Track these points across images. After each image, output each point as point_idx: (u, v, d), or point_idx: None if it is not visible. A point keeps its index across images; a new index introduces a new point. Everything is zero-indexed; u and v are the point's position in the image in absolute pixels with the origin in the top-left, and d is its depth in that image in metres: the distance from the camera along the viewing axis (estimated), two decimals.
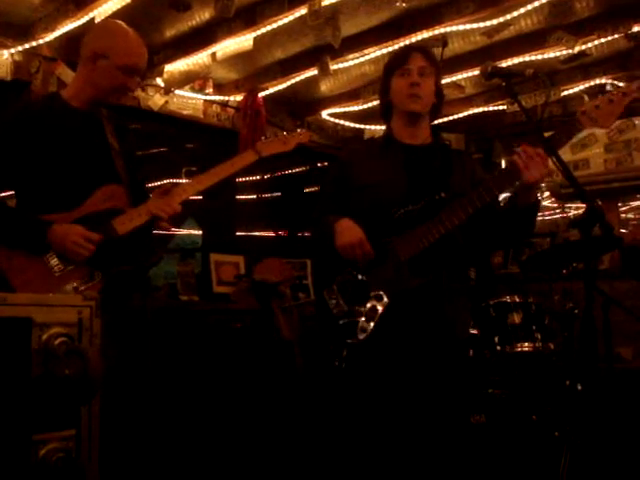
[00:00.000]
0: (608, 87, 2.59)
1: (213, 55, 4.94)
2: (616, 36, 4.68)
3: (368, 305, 2.62)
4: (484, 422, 3.72)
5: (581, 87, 5.56)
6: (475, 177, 2.82)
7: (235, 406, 4.30)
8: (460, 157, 2.92)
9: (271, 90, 5.65)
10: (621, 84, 2.67)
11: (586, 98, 2.43)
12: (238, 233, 6.54)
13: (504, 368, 4.04)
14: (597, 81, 5.41)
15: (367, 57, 5.01)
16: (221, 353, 4.46)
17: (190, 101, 5.62)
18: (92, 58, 2.76)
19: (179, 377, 4.15)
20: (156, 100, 5.32)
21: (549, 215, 7.68)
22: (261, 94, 5.66)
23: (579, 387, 3.97)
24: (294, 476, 3.89)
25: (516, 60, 5.01)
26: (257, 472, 3.93)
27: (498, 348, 4.02)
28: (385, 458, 2.63)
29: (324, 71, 5.08)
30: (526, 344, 4.01)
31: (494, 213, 2.72)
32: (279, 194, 9.18)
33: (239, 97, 5.77)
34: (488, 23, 4.58)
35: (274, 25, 4.47)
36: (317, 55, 5.08)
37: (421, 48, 2.88)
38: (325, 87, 5.92)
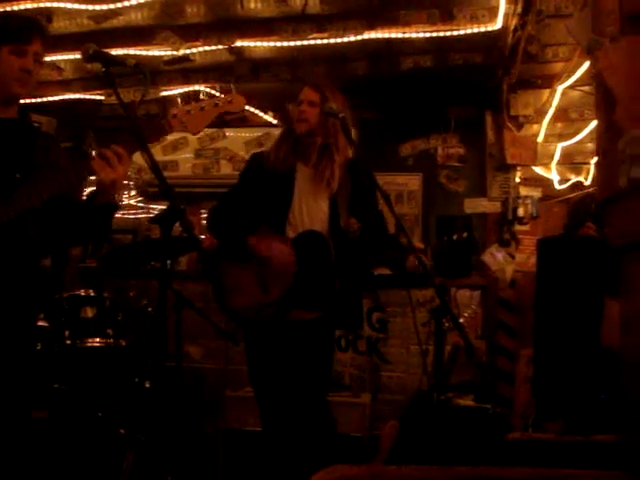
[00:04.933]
0: (202, 95, 2.67)
1: None
2: (220, 47, 4.86)
3: None
4: (46, 417, 3.57)
5: (180, 90, 5.68)
6: (59, 164, 2.68)
7: None
8: (46, 140, 2.77)
9: None
10: (216, 93, 2.80)
11: (179, 101, 2.47)
12: None
13: (73, 363, 3.92)
14: (196, 87, 5.57)
15: None
16: None
17: None
18: None
19: None
20: None
21: (133, 214, 7.72)
22: None
23: (147, 384, 4.01)
24: None
25: (121, 51, 4.91)
26: None
27: (68, 342, 3.89)
28: None
29: None
30: (97, 339, 3.94)
31: (72, 206, 2.64)
32: None
33: None
34: (98, 7, 4.46)
35: None
36: None
37: (42, 32, 2.66)
38: None
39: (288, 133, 3.48)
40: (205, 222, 3.66)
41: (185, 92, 5.64)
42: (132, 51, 4.97)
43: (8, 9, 4.36)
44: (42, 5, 4.41)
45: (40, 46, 2.61)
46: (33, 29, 2.62)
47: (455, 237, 3.22)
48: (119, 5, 4.42)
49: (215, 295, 3.42)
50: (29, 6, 4.39)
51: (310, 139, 3.36)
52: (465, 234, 3.24)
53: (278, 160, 3.39)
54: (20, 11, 4.37)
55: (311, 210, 3.38)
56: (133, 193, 6.69)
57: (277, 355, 3.33)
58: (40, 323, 3.75)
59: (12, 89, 2.59)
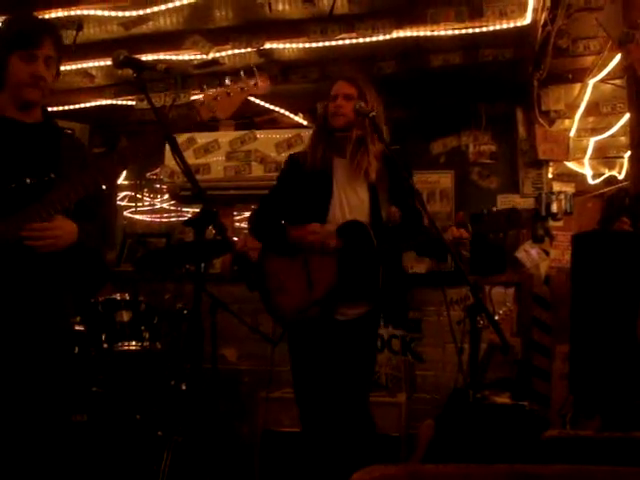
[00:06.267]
0: (227, 81, 2.68)
1: None
2: (249, 50, 4.88)
3: None
4: (86, 421, 3.60)
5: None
6: (85, 163, 2.70)
7: None
8: (70, 140, 2.81)
9: None
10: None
11: (205, 89, 2.48)
12: None
13: (110, 366, 3.95)
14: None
15: None
16: None
17: None
18: None
19: None
20: None
21: (167, 217, 7.76)
22: None
23: (183, 387, 4.03)
24: None
25: (150, 57, 4.96)
26: None
27: (105, 346, 3.92)
28: None
29: None
30: (133, 343, 3.97)
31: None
32: None
33: None
34: (127, 14, 4.50)
35: None
36: None
37: (54, 32, 2.61)
38: None
39: (322, 130, 3.48)
40: (248, 225, 3.68)
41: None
42: (162, 56, 5.01)
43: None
44: (73, 13, 4.46)
45: (52, 47, 2.54)
46: (41, 31, 2.55)
47: (491, 236, 3.19)
48: (148, 11, 4.46)
49: (262, 298, 3.45)
50: (60, 14, 4.44)
51: (344, 133, 3.36)
52: (501, 234, 3.21)
53: (316, 159, 3.39)
54: (52, 19, 4.40)
55: (351, 202, 3.38)
56: (166, 197, 6.72)
57: (321, 357, 3.33)
58: (77, 327, 3.79)
59: (25, 95, 2.55)
